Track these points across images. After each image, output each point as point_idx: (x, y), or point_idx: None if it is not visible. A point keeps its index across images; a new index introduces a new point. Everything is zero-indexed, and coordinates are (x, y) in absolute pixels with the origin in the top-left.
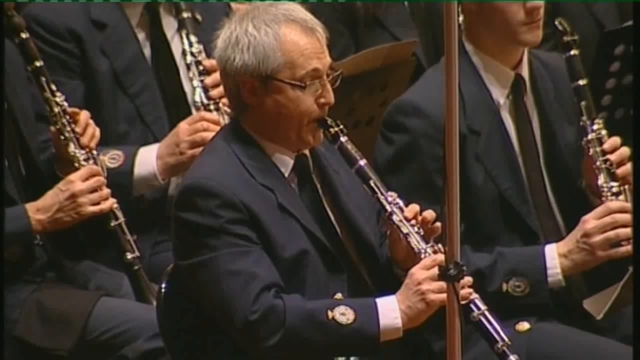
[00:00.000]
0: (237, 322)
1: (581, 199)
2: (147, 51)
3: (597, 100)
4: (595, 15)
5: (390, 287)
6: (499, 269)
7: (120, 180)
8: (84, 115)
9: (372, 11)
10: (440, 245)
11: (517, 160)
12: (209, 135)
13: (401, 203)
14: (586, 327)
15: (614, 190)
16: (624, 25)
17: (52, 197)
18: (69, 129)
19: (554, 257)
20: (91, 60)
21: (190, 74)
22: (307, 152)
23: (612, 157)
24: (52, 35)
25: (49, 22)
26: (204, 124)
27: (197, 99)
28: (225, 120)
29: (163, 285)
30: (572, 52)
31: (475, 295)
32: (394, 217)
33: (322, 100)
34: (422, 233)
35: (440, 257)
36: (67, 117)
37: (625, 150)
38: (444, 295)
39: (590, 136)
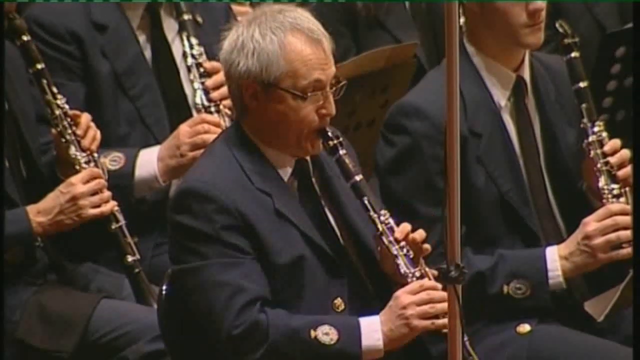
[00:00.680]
0: (220, 334)
1: (582, 201)
2: (147, 53)
3: (598, 102)
4: (596, 16)
5: (391, 291)
6: (500, 271)
7: (121, 182)
8: (85, 118)
9: (373, 12)
10: (427, 269)
11: (518, 162)
12: (210, 137)
13: (392, 222)
14: (587, 329)
15: (615, 192)
16: (625, 27)
17: (53, 200)
18: (70, 131)
19: (555, 259)
20: (92, 62)
21: (191, 76)
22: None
23: (613, 159)
24: (52, 37)
25: (49, 24)
26: (205, 126)
27: (198, 101)
28: (226, 122)
29: (164, 287)
30: (573, 55)
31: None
32: (384, 239)
33: (323, 111)
34: (411, 255)
35: (427, 282)
36: (68, 119)
37: (626, 153)
38: (427, 322)
39: (591, 138)
